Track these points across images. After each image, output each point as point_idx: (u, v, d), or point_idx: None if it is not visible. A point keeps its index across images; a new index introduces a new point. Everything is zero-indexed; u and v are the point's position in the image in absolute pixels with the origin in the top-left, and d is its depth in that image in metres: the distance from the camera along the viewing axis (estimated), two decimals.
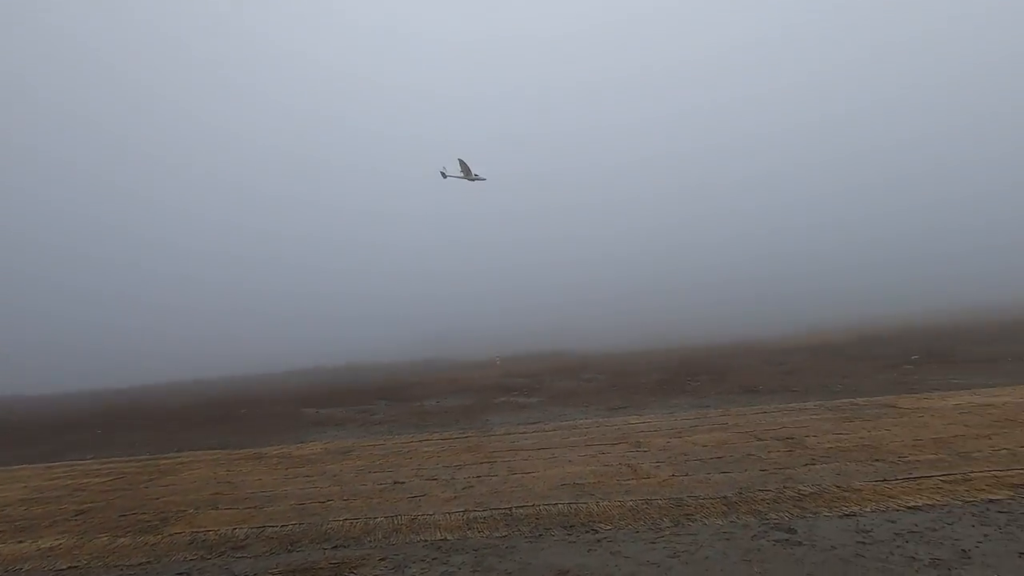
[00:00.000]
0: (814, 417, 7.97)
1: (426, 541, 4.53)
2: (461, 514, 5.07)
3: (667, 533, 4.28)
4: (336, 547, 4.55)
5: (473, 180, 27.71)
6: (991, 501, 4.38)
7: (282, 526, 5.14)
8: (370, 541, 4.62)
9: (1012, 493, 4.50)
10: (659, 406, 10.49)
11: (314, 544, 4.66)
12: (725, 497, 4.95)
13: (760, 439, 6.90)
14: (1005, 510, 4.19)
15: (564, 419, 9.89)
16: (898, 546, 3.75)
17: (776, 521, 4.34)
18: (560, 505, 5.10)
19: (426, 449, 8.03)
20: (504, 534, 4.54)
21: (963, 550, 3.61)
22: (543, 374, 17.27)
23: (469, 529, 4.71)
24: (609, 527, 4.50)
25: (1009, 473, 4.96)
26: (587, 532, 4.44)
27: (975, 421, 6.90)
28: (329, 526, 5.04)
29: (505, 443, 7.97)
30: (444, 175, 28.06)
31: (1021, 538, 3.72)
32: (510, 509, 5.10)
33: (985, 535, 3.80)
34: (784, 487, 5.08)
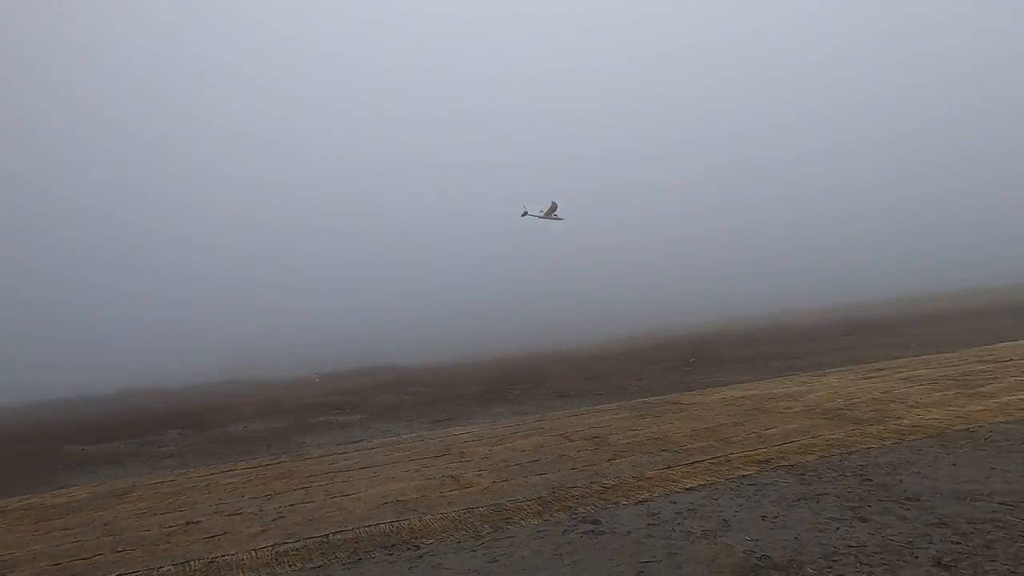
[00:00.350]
0: (615, 416, 8.91)
1: None
2: (269, 549, 4.60)
3: (488, 539, 4.40)
4: None
5: (554, 219, 27.54)
6: (744, 476, 5.33)
7: None
8: None
9: (758, 468, 5.54)
10: (482, 415, 10.80)
11: None
12: (540, 497, 5.26)
13: (571, 440, 7.50)
14: (753, 483, 5.13)
15: (388, 435, 9.62)
16: (678, 523, 4.36)
17: (584, 514, 4.73)
18: (382, 525, 4.93)
19: (228, 481, 7.14)
20: (319, 564, 4.23)
21: (724, 520, 4.33)
22: (366, 390, 16.64)
23: (279, 564, 4.30)
24: (431, 541, 4.48)
25: (756, 452, 6.11)
26: (409, 549, 4.36)
27: (733, 411, 8.37)
28: None
29: (323, 466, 7.47)
30: (526, 214, 27.32)
31: (763, 504, 4.58)
32: (327, 536, 4.78)
33: (740, 505, 4.61)
34: (591, 482, 5.58)
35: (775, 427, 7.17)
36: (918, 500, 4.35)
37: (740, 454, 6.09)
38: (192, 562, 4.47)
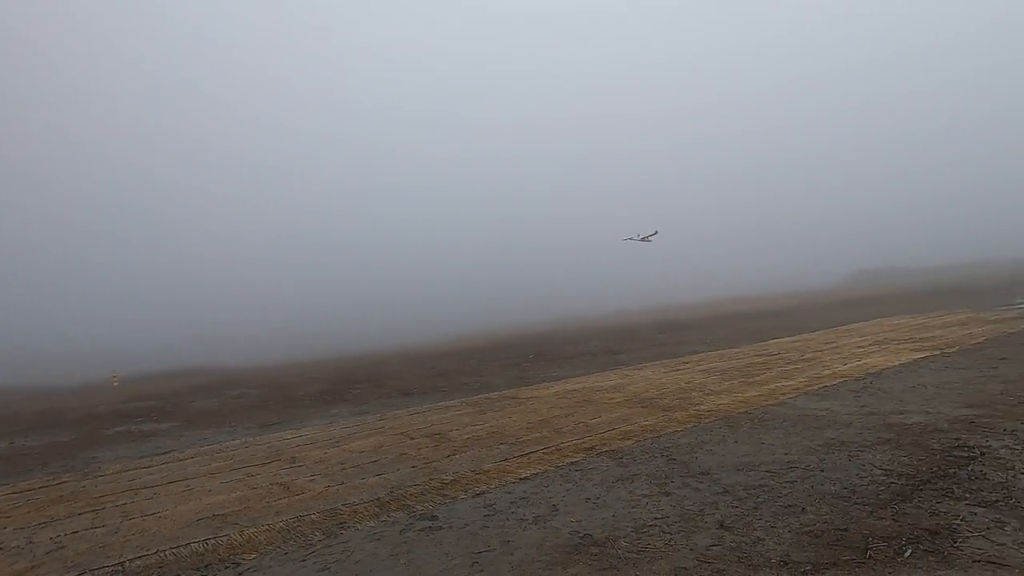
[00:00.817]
0: (457, 413, 9.04)
1: None
2: None
3: (319, 547, 4.17)
4: None
5: (647, 241, 28.14)
6: (572, 463, 5.77)
7: None
8: None
9: (584, 455, 6.03)
10: (318, 417, 10.20)
11: None
12: (378, 498, 5.13)
13: (412, 438, 7.43)
14: (579, 468, 5.58)
15: (205, 443, 8.61)
16: (512, 512, 4.56)
17: (422, 512, 4.73)
18: (194, 544, 4.40)
19: None
20: None
21: (553, 504, 4.65)
22: (179, 394, 14.71)
23: None
24: (254, 555, 4.11)
25: (583, 440, 6.64)
26: (227, 567, 3.96)
27: (565, 403, 9.01)
28: None
29: (120, 483, 6.44)
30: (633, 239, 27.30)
31: (587, 487, 5.01)
32: (121, 564, 4.13)
33: (568, 490, 4.98)
34: (430, 479, 5.59)
35: (600, 416, 7.87)
36: (708, 473, 5.10)
37: (570, 443, 6.58)
38: None
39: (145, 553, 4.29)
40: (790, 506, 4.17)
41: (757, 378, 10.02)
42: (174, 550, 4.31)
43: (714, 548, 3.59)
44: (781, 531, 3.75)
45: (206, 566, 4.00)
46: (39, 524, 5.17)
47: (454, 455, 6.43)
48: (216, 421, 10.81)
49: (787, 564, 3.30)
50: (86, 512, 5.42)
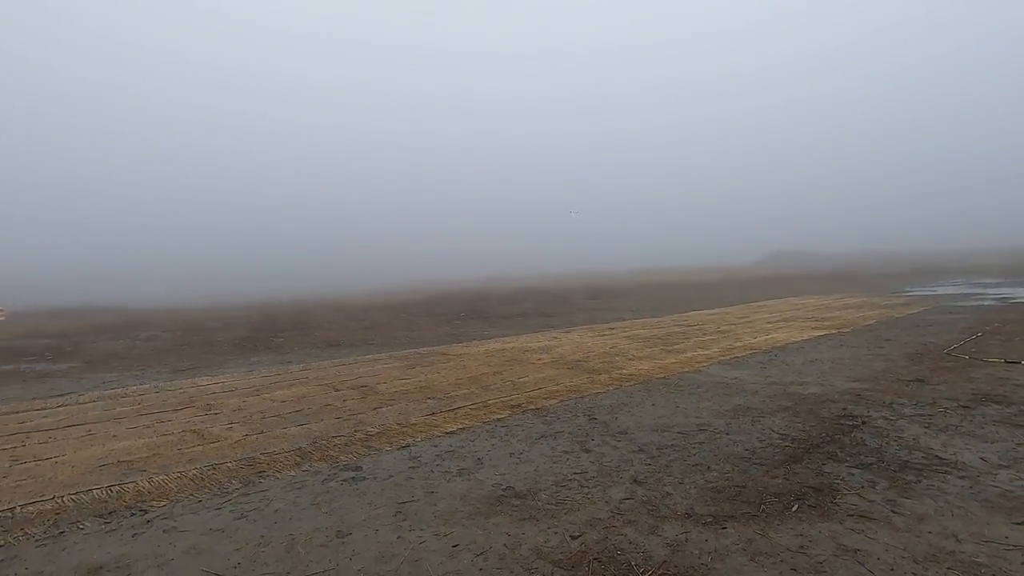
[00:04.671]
0: (386, 366, 8.97)
1: None
2: None
3: (235, 495, 4.07)
4: None
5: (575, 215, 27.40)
6: (498, 420, 5.91)
7: None
8: None
9: (510, 412, 6.18)
10: (238, 365, 9.80)
11: None
12: (300, 448, 5.05)
13: (337, 389, 7.31)
14: (505, 425, 5.72)
15: (110, 387, 8.08)
16: (438, 464, 4.63)
17: (346, 463, 4.70)
18: (96, 491, 4.16)
19: None
20: None
21: (479, 458, 4.76)
22: (81, 333, 13.62)
23: None
24: (164, 503, 3.95)
25: (510, 398, 6.80)
26: (133, 515, 3.78)
27: (494, 362, 9.15)
28: None
29: (9, 426, 5.95)
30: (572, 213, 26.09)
31: (512, 443, 5.15)
32: (11, 510, 3.85)
33: (493, 445, 5.10)
34: (355, 431, 5.55)
35: (528, 376, 8.07)
36: (626, 433, 5.38)
37: (497, 400, 6.71)
38: None
39: (39, 499, 4.02)
40: (697, 464, 4.50)
41: (676, 347, 10.58)
42: (73, 496, 4.07)
43: (627, 501, 3.82)
44: (688, 487, 4.04)
45: (110, 513, 3.80)
46: None
47: (381, 408, 6.41)
48: (122, 364, 10.14)
49: (691, 516, 3.57)
50: None
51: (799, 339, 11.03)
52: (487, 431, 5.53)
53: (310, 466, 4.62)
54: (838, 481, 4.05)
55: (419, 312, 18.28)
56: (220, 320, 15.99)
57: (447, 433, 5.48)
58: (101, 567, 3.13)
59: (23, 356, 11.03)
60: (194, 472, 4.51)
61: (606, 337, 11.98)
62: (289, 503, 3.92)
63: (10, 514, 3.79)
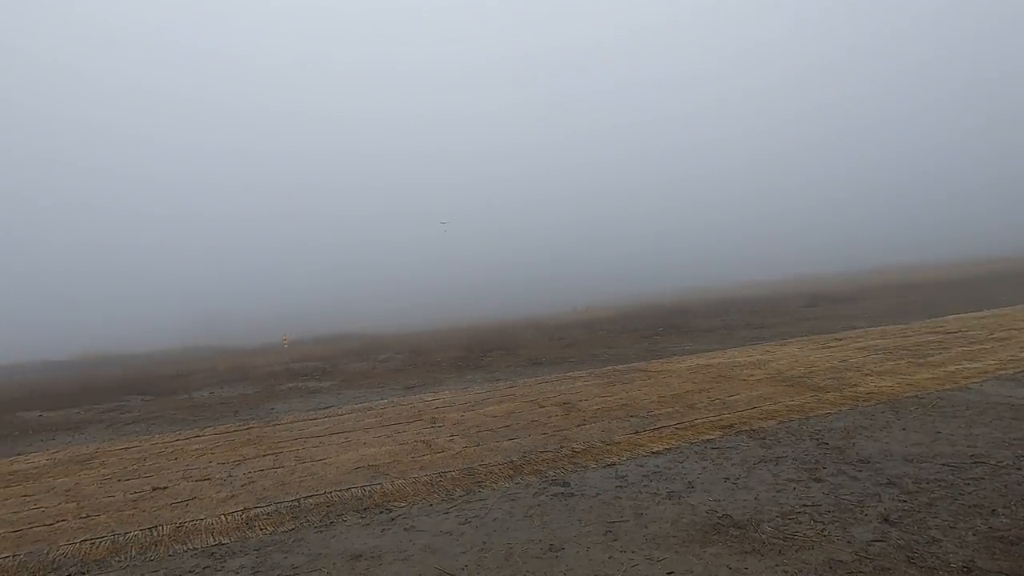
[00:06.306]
0: (586, 384, 9.07)
1: (195, 549, 4.00)
2: (240, 513, 4.59)
3: (460, 502, 4.48)
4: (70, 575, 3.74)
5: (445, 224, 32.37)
6: (708, 440, 5.52)
7: None
8: (119, 561, 3.90)
9: (721, 433, 5.74)
10: (454, 382, 10.86)
11: None
12: (512, 461, 5.36)
13: (542, 406, 7.62)
14: (716, 447, 5.32)
15: (359, 401, 9.61)
16: (645, 485, 4.50)
17: (554, 477, 4.85)
18: (354, 489, 4.96)
19: (196, 447, 7.05)
20: (291, 527, 4.25)
21: (689, 481, 4.50)
22: (336, 356, 16.51)
23: (249, 528, 4.29)
24: (404, 504, 4.53)
25: (720, 417, 6.32)
26: (381, 512, 4.41)
27: (699, 378, 8.62)
28: (59, 552, 4.11)
29: (293, 431, 7.43)
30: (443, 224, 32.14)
31: (726, 466, 4.77)
32: (298, 500, 4.79)
33: (704, 468, 4.78)
34: (561, 447, 5.70)
35: (739, 394, 7.41)
36: (869, 462, 4.58)
37: (705, 419, 6.29)
38: (160, 527, 4.43)
39: (316, 493, 4.93)
40: (975, 506, 3.61)
41: (931, 358, 8.74)
42: (338, 492, 4.90)
43: (877, 544, 3.23)
44: (964, 533, 3.27)
45: (365, 509, 4.49)
46: (235, 462, 6.17)
47: (584, 425, 6.48)
48: (367, 382, 12.00)
49: (971, 571, 2.87)
50: (268, 455, 6.35)
51: None
52: (696, 452, 5.20)
53: (521, 479, 4.88)
54: None
55: (615, 328, 18.18)
56: (438, 342, 17.97)
57: (653, 453, 5.30)
58: (360, 555, 3.70)
59: (300, 375, 13.79)
60: (425, 478, 5.09)
61: (833, 349, 10.44)
62: (505, 513, 4.17)
63: (297, 504, 4.72)
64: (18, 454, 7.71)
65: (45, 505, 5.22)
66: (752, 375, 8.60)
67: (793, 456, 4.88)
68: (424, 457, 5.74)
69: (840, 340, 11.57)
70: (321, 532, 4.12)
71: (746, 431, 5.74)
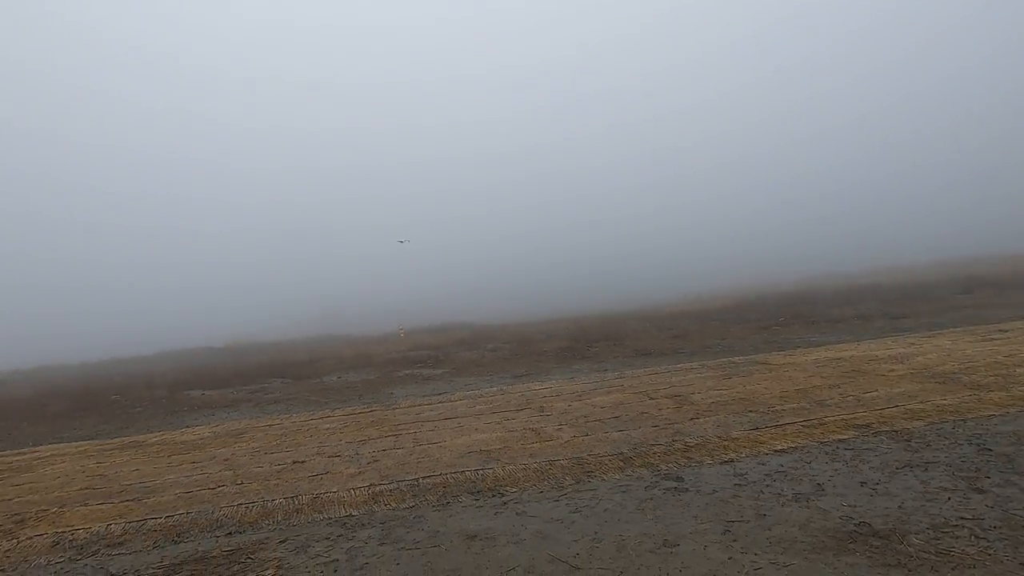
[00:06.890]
0: (699, 376, 8.68)
1: (330, 519, 4.40)
2: (366, 488, 4.98)
3: (569, 490, 4.49)
4: (230, 534, 4.29)
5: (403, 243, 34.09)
6: (840, 440, 5.05)
7: (166, 517, 4.74)
8: (268, 524, 4.40)
9: (856, 433, 5.22)
10: (561, 372, 10.90)
11: (204, 533, 4.35)
12: (622, 453, 5.28)
13: (652, 398, 7.41)
14: (851, 447, 4.85)
15: (470, 388, 9.98)
16: (767, 485, 4.22)
17: (667, 471, 4.70)
18: (467, 472, 5.16)
19: (327, 426, 7.75)
20: (411, 504, 4.52)
21: (819, 484, 4.15)
22: (448, 346, 17.26)
23: (375, 503, 4.64)
24: (515, 489, 4.64)
25: (854, 416, 5.75)
26: (494, 496, 4.55)
27: (828, 373, 7.89)
28: (221, 512, 4.73)
29: (411, 415, 7.90)
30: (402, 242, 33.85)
31: (862, 469, 4.33)
32: (417, 480, 5.08)
33: (836, 470, 4.38)
34: (673, 440, 5.51)
35: (876, 390, 6.69)
36: None
37: (836, 417, 5.76)
38: (300, 497, 4.93)
39: (432, 474, 5.21)
40: None
41: None
42: (453, 475, 5.13)
43: None
44: None
45: (478, 492, 4.66)
46: (360, 441, 6.69)
47: (697, 418, 6.21)
48: (477, 370, 12.42)
49: None
50: (389, 436, 6.81)
51: None
52: (826, 453, 4.78)
53: (632, 471, 4.79)
54: None
55: (730, 318, 17.17)
56: (543, 332, 18.13)
57: (775, 451, 4.95)
58: (476, 535, 3.86)
59: (415, 363, 14.60)
60: (535, 466, 5.18)
61: (995, 342, 9.06)
62: (616, 504, 4.12)
63: (416, 483, 5.02)
64: (187, 427, 8.97)
65: (208, 472, 6.02)
66: (893, 370, 7.71)
67: (947, 462, 4.32)
68: (533, 445, 5.83)
69: (1005, 332, 10.01)
70: (439, 511, 4.35)
71: (886, 432, 5.17)
